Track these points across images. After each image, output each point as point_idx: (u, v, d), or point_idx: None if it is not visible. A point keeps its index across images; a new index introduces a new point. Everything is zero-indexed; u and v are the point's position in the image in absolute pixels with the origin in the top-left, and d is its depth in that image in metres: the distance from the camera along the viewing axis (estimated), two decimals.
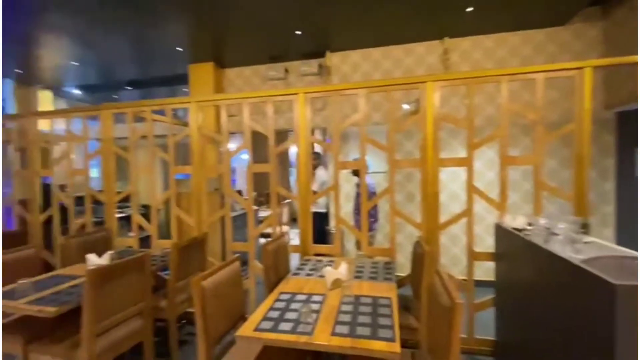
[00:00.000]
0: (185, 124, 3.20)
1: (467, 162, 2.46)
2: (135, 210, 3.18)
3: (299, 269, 2.34)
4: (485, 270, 3.10)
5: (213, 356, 1.68)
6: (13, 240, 3.15)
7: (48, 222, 3.45)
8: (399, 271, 2.66)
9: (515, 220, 2.11)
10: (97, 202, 3.30)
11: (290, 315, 1.57)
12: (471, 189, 2.46)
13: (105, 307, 1.83)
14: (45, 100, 5.85)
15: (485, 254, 2.48)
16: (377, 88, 2.64)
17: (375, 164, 3.93)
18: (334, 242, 2.81)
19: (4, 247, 2.46)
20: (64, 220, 3.39)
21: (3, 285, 2.06)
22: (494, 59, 3.81)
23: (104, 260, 2.35)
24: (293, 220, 6.58)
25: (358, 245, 3.58)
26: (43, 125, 3.67)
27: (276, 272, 2.22)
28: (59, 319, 1.80)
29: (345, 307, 1.65)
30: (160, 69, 5.02)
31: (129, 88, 6.15)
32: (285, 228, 4.79)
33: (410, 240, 3.92)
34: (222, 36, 3.83)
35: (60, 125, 3.44)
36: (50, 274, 2.37)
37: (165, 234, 3.35)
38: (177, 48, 4.11)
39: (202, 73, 4.55)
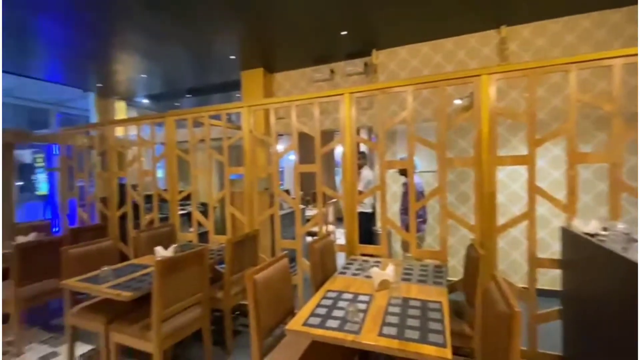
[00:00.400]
0: (238, 128, 3.40)
1: (528, 160, 2.26)
2: (195, 207, 3.46)
3: (345, 268, 2.36)
4: (550, 279, 2.82)
5: (264, 347, 1.77)
6: (96, 233, 3.62)
7: (123, 217, 3.92)
8: (450, 275, 2.54)
9: (588, 225, 1.90)
10: (162, 200, 3.65)
11: (337, 313, 1.59)
12: (533, 190, 2.26)
13: (170, 295, 2.03)
14: (120, 109, 6.64)
15: (549, 260, 2.26)
16: (424, 84, 2.55)
17: (426, 162, 3.79)
18: (380, 243, 2.77)
19: (89, 239, 2.85)
20: (136, 215, 3.82)
21: (89, 271, 2.38)
22: (561, 46, 3.44)
23: (169, 252, 2.58)
24: (339, 220, 6.61)
25: (404, 246, 3.48)
26: (119, 132, 4.16)
27: (323, 270, 2.26)
28: (132, 303, 2.04)
29: (392, 309, 1.62)
30: (216, 76, 5.41)
31: (188, 96, 6.72)
32: (331, 227, 4.83)
33: (463, 243, 3.71)
34: (270, 43, 4.00)
35: (132, 131, 3.87)
36: (125, 263, 2.68)
37: (220, 230, 3.59)
38: (230, 56, 4.38)
39: (253, 78, 4.78)
